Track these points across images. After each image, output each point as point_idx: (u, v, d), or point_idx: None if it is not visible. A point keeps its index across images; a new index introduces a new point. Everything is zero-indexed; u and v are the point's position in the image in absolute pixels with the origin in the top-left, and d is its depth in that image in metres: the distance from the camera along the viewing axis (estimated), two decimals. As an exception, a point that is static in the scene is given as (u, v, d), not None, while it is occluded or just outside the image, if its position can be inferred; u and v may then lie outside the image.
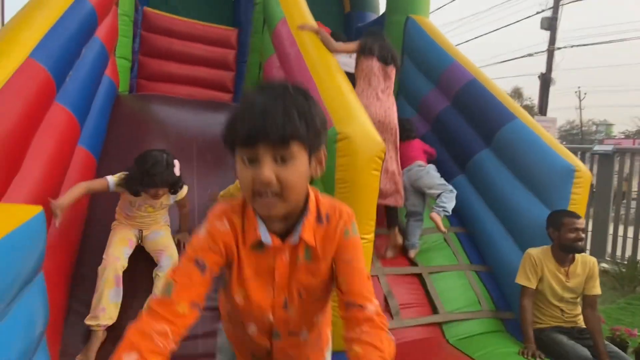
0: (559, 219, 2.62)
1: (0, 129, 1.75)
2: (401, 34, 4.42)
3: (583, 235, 2.60)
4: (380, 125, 2.94)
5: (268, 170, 0.91)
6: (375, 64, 3.07)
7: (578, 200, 2.86)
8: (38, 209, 1.72)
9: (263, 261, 1.07)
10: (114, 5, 3.35)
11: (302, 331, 1.17)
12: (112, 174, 2.32)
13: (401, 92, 4.50)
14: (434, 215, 2.99)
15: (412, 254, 3.12)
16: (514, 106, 3.36)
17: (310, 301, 1.13)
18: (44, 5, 2.40)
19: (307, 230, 1.05)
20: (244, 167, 0.95)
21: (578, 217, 2.63)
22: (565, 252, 2.59)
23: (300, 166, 0.95)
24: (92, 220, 2.60)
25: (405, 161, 3.26)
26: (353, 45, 3.19)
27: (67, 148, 2.36)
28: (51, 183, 2.13)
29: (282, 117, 0.90)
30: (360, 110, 2.38)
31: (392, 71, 3.14)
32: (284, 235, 1.06)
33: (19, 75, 1.94)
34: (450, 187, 3.12)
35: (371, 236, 2.29)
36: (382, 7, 5.54)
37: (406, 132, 3.38)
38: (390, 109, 3.07)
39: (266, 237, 1.04)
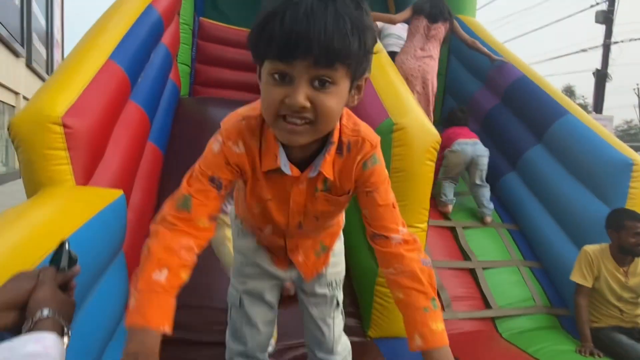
0: (620, 221, 2.50)
1: (87, 122, 1.96)
2: (448, 34, 4.45)
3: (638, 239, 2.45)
4: (413, 79, 3.29)
5: (302, 93, 0.76)
6: (422, 23, 3.43)
7: (637, 195, 2.77)
8: (119, 193, 1.92)
9: (280, 185, 1.02)
10: (176, 14, 3.62)
11: (315, 232, 1.21)
12: (177, 169, 2.50)
13: (448, 91, 4.52)
14: (489, 219, 3.30)
15: (449, 208, 3.34)
16: (566, 101, 3.31)
17: (326, 219, 1.15)
18: (118, 14, 2.66)
19: (327, 164, 0.96)
20: (271, 85, 0.79)
21: (635, 217, 2.50)
22: (624, 254, 2.50)
23: (341, 93, 0.81)
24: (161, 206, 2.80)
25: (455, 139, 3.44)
26: (408, 11, 3.51)
27: (140, 142, 2.57)
28: (128, 172, 2.34)
29: (332, 26, 0.71)
30: (414, 103, 2.45)
31: (439, 29, 3.45)
32: (302, 163, 0.98)
33: (101, 75, 2.16)
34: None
35: (424, 225, 2.32)
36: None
37: (458, 118, 3.59)
38: (427, 64, 3.38)
39: (286, 167, 0.96)
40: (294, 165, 0.97)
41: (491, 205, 3.34)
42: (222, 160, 0.97)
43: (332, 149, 0.96)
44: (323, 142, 0.95)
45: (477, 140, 3.43)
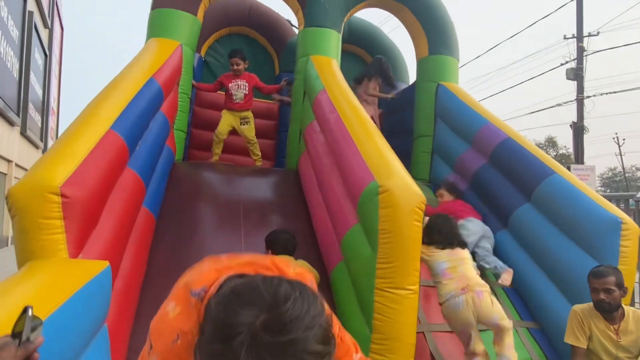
0: (588, 277, 2.43)
1: (85, 191, 2.00)
2: (433, 100, 4.70)
3: (606, 296, 2.34)
4: None
5: None
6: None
7: (628, 253, 2.80)
8: (105, 264, 1.90)
9: None
10: (176, 84, 3.80)
11: None
12: (168, 233, 2.52)
13: (436, 152, 4.68)
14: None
15: (508, 276, 3.25)
16: (552, 162, 3.43)
17: None
18: (122, 85, 2.80)
19: None
20: None
21: (602, 275, 2.37)
22: (600, 312, 2.43)
23: None
24: (151, 273, 2.76)
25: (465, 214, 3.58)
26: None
27: (134, 208, 2.60)
28: (120, 239, 2.35)
29: None
30: (399, 166, 2.53)
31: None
32: None
33: (101, 145, 2.24)
34: None
35: (416, 287, 2.31)
36: (411, 77, 5.92)
37: (457, 192, 3.86)
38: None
39: None
40: None
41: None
42: None
43: None
44: None
45: (480, 221, 3.58)
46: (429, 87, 4.74)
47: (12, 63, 11.84)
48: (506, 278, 3.24)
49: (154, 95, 2.97)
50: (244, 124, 4.47)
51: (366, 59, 6.44)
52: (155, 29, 3.91)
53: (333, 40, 4.42)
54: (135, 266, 2.58)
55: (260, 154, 4.65)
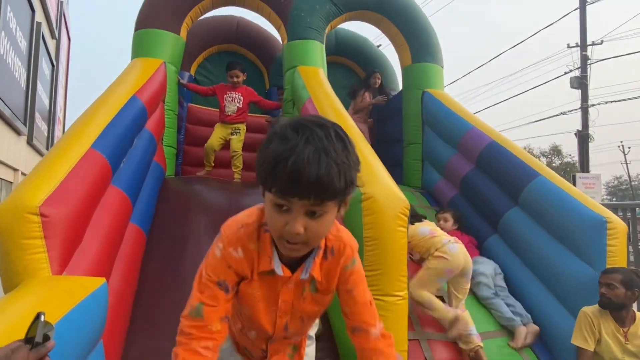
0: (600, 277, 2.54)
1: (65, 210, 2.02)
2: (419, 107, 4.74)
3: (606, 291, 2.44)
4: None
5: (300, 223, 0.94)
6: None
7: (616, 252, 2.78)
8: (101, 281, 1.92)
9: (271, 285, 1.16)
10: (161, 102, 3.85)
11: (296, 335, 1.29)
12: (161, 247, 2.53)
13: (426, 158, 4.70)
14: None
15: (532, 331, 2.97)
16: (537, 164, 3.44)
17: (310, 320, 1.26)
18: (104, 104, 2.84)
19: (316, 267, 1.13)
20: (275, 211, 0.96)
21: (608, 272, 2.51)
22: (604, 308, 2.47)
23: (329, 218, 0.99)
24: (142, 288, 2.76)
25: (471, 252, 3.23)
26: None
27: (120, 225, 2.61)
28: (106, 256, 2.35)
29: (324, 176, 0.89)
30: (383, 172, 2.54)
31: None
32: (292, 265, 1.12)
33: (82, 163, 2.27)
34: None
35: (404, 293, 2.31)
36: (400, 85, 5.98)
37: (460, 221, 3.63)
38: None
39: (279, 268, 1.10)
40: (285, 267, 1.11)
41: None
42: (225, 264, 1.11)
43: (320, 253, 1.13)
44: (312, 250, 1.12)
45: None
46: (415, 94, 4.78)
47: (20, 73, 11.99)
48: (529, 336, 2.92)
49: (137, 112, 3.01)
50: (234, 134, 4.48)
51: (355, 69, 6.51)
52: (138, 49, 3.99)
53: (317, 50, 4.48)
54: (125, 282, 2.58)
55: (241, 166, 4.59)
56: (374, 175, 2.49)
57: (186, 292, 2.72)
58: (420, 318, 2.95)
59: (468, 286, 2.93)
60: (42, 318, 0.90)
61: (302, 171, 0.88)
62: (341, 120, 3.17)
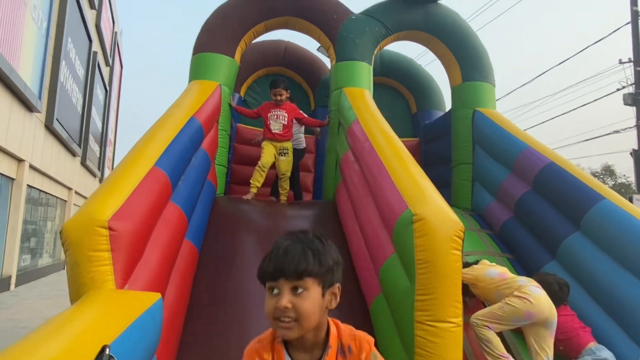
0: None
1: (131, 224, 2.10)
2: (470, 126, 4.64)
3: None
4: None
5: (285, 299, 1.10)
6: None
7: (693, 282, 2.57)
8: (157, 296, 1.97)
9: None
10: (215, 122, 3.99)
11: None
12: (211, 264, 2.58)
13: (477, 179, 4.56)
14: None
15: None
16: (600, 186, 3.26)
17: None
18: (165, 125, 2.98)
19: None
20: (269, 296, 1.15)
21: None
22: None
23: (313, 297, 1.12)
24: (193, 304, 2.81)
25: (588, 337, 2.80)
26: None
27: (177, 241, 2.69)
28: (164, 271, 2.42)
29: (298, 257, 1.12)
30: (434, 193, 2.47)
31: None
32: None
33: (146, 180, 2.37)
34: None
35: (459, 320, 2.20)
36: (447, 104, 5.91)
37: (561, 295, 2.90)
38: None
39: None
40: None
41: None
42: None
43: (331, 353, 1.18)
44: (324, 348, 1.20)
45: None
46: (465, 113, 4.70)
47: (77, 99, 12.96)
48: None
49: (194, 133, 3.13)
50: (282, 155, 4.44)
51: (401, 90, 6.50)
52: (196, 72, 4.18)
53: (364, 71, 4.52)
54: (179, 297, 2.64)
55: (288, 188, 4.57)
56: (424, 195, 2.42)
57: (235, 309, 2.74)
58: (473, 346, 2.82)
59: (552, 341, 2.61)
60: (107, 351, 0.92)
61: (282, 255, 1.13)
62: (389, 141, 3.16)
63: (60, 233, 2.03)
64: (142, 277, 2.18)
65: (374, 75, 4.94)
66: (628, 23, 13.00)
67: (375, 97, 4.61)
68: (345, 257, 3.26)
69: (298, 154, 4.88)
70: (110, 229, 1.98)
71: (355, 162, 3.52)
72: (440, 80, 6.42)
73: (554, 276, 2.95)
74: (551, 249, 3.40)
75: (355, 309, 2.84)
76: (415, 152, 5.44)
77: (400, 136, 3.52)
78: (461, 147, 4.73)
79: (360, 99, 4.09)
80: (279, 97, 4.44)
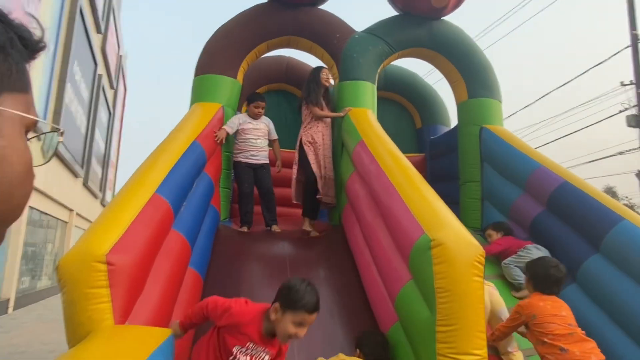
0: None
1: (131, 257, 1.99)
2: (477, 143, 4.55)
3: None
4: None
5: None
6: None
7: None
8: (168, 332, 1.86)
9: None
10: (219, 145, 3.90)
11: None
12: (216, 292, 2.44)
13: (486, 198, 4.44)
14: None
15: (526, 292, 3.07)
16: (619, 207, 3.14)
17: None
18: (167, 149, 2.89)
19: None
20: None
21: None
22: None
23: None
24: (200, 333, 2.66)
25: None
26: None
27: (180, 270, 2.57)
28: (167, 303, 2.30)
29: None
30: (451, 216, 2.36)
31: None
32: None
33: (146, 209, 2.27)
34: None
35: (484, 352, 2.06)
36: (452, 120, 5.82)
37: (505, 229, 3.80)
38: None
39: None
40: None
41: None
42: None
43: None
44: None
45: (540, 247, 3.50)
46: (472, 130, 4.61)
47: (81, 121, 13.01)
48: None
49: (197, 157, 3.04)
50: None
51: (405, 105, 6.43)
52: (198, 94, 4.11)
53: (368, 91, 4.44)
54: (181, 339, 2.51)
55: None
56: (441, 219, 2.31)
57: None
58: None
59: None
60: None
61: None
62: (397, 163, 3.06)
63: (55, 269, 1.92)
64: (144, 312, 2.06)
65: (378, 90, 4.87)
66: (628, 47, 13.03)
67: (379, 112, 4.53)
68: (355, 280, 3.16)
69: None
70: (108, 263, 1.87)
71: (363, 184, 3.41)
72: (446, 97, 6.37)
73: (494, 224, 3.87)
74: (570, 271, 3.25)
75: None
76: (421, 168, 5.33)
77: (404, 152, 3.44)
78: (469, 164, 4.63)
79: (364, 119, 4.00)
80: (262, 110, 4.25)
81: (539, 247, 3.47)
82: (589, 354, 2.22)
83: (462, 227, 2.30)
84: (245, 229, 3.99)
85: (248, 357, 1.84)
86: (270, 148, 4.39)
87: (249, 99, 4.28)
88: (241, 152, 4.11)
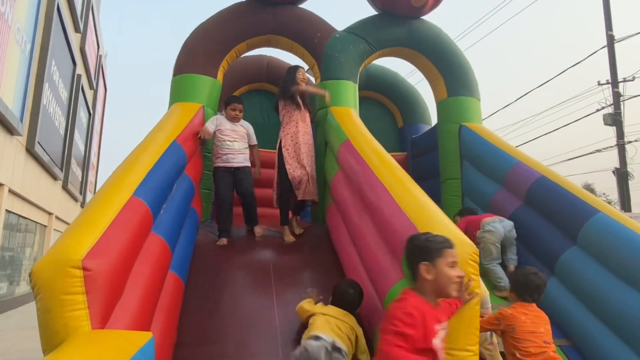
0: None
1: (108, 262, 1.95)
2: (456, 141, 4.60)
3: None
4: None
5: None
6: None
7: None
8: (148, 336, 1.82)
9: None
10: (199, 145, 3.85)
11: None
12: (198, 295, 2.41)
13: (466, 194, 4.50)
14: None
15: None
16: (594, 199, 3.21)
17: None
18: (145, 150, 2.84)
19: None
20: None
21: None
22: None
23: None
24: (182, 337, 2.63)
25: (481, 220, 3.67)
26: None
27: (160, 274, 2.53)
28: (147, 308, 2.25)
29: None
30: (442, 215, 2.37)
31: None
32: None
33: (124, 212, 2.22)
34: None
35: (477, 348, 2.07)
36: (434, 118, 5.87)
37: (468, 211, 4.03)
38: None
39: None
40: None
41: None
42: None
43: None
44: None
45: (502, 218, 3.61)
46: (451, 128, 4.66)
47: (60, 122, 12.70)
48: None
49: (177, 158, 2.99)
50: None
51: (387, 104, 6.47)
52: (177, 94, 4.06)
53: (350, 90, 4.45)
54: (165, 334, 2.46)
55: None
56: (433, 218, 2.32)
57: (224, 348, 2.56)
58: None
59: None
60: None
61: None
62: (383, 161, 3.06)
63: (29, 276, 1.86)
64: (123, 319, 2.01)
65: (360, 90, 4.88)
66: (604, 47, 13.36)
67: (361, 111, 4.54)
68: (340, 274, 3.13)
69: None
70: (84, 269, 1.82)
71: (349, 183, 3.41)
72: (427, 96, 6.44)
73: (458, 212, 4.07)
74: (549, 265, 3.33)
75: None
76: (404, 166, 5.32)
77: (387, 151, 3.44)
78: (449, 162, 4.68)
79: (348, 118, 4.01)
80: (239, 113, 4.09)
81: (502, 219, 3.59)
82: None
83: (453, 225, 2.31)
84: (224, 241, 3.69)
85: (440, 340, 1.74)
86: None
87: (226, 102, 4.16)
88: (219, 157, 3.95)
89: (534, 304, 2.49)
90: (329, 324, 2.32)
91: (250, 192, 3.98)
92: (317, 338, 2.21)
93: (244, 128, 4.12)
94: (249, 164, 4.05)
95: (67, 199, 15.39)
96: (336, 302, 2.53)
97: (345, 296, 2.54)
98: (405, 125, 6.35)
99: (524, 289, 2.51)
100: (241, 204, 4.03)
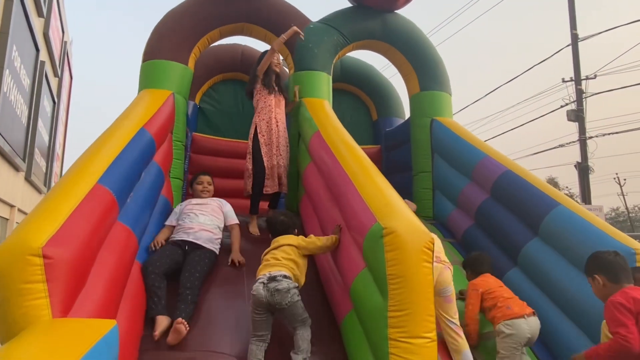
0: None
1: (70, 250, 1.89)
2: (428, 135, 4.68)
3: None
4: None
5: None
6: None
7: (646, 284, 2.65)
8: (112, 323, 1.79)
9: None
10: (169, 133, 3.77)
11: None
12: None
13: (437, 188, 4.59)
14: None
15: None
16: (555, 192, 3.33)
17: None
18: (112, 137, 2.76)
19: None
20: None
21: None
22: None
23: None
24: (149, 328, 2.59)
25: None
26: None
27: (126, 263, 2.48)
28: (112, 299, 2.21)
29: None
30: (402, 205, 2.42)
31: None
32: None
33: (88, 200, 2.16)
34: None
35: (433, 334, 2.13)
36: (406, 112, 5.94)
37: (482, 265, 3.16)
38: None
39: None
40: None
41: None
42: None
43: None
44: None
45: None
46: (423, 122, 4.73)
47: (22, 110, 12.12)
48: None
49: (145, 145, 2.92)
50: None
51: (360, 96, 6.49)
52: (146, 81, 3.94)
53: (324, 82, 4.45)
54: (131, 322, 2.41)
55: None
56: (393, 208, 2.37)
57: (193, 337, 2.53)
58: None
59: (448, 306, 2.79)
60: None
61: None
62: (352, 153, 3.09)
63: (-15, 265, 1.79)
64: (86, 308, 1.97)
65: (334, 81, 4.88)
66: (569, 45, 13.85)
67: (335, 104, 4.54)
68: (312, 273, 3.16)
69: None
70: (44, 256, 1.77)
71: (319, 174, 3.42)
72: (400, 90, 6.47)
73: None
74: (512, 255, 3.44)
75: (324, 327, 2.72)
76: (377, 159, 5.42)
77: (361, 143, 3.48)
78: (421, 155, 4.75)
79: (321, 110, 4.00)
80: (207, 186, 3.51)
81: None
82: (525, 308, 2.84)
83: (413, 215, 2.37)
84: (162, 327, 2.49)
85: None
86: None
87: (191, 182, 3.57)
88: (174, 234, 3.07)
89: (488, 273, 3.08)
90: (264, 264, 2.62)
91: (196, 284, 2.72)
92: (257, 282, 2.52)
93: (218, 204, 3.35)
94: (213, 249, 3.02)
95: (31, 191, 14.77)
96: (274, 234, 2.86)
97: (278, 225, 2.87)
98: (379, 119, 6.39)
99: (474, 264, 3.15)
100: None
